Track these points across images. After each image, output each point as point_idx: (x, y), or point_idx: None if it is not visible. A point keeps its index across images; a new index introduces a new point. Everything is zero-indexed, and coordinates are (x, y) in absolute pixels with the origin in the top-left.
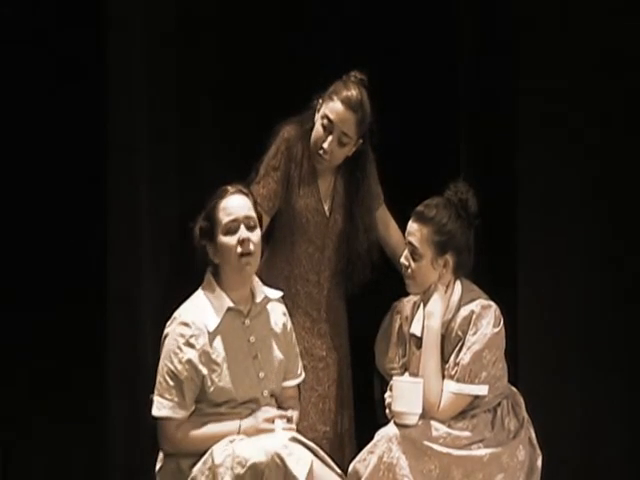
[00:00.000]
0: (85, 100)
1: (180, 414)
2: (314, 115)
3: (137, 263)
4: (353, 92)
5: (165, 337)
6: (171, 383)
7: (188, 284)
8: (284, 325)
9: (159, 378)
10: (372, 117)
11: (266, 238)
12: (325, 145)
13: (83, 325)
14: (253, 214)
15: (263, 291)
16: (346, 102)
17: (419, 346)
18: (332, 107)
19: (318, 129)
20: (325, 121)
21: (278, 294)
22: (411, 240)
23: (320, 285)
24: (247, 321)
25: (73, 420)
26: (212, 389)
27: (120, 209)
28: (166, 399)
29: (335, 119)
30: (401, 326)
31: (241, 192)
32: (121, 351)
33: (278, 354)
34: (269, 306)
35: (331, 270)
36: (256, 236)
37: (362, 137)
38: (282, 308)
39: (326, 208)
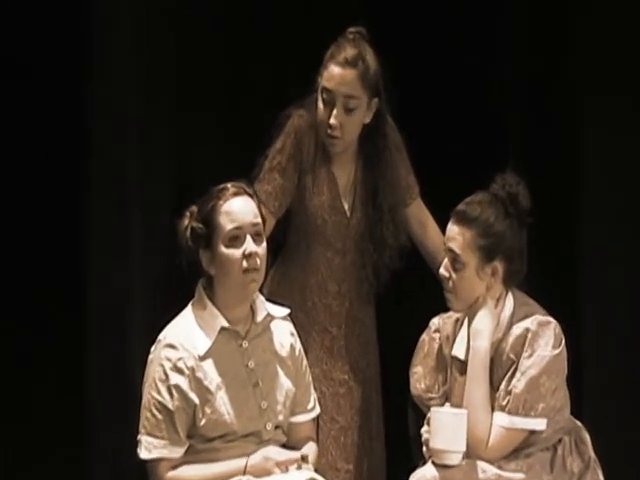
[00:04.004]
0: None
1: (175, 453)
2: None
3: (123, 277)
4: (349, 50)
5: (149, 364)
6: (160, 417)
7: (180, 300)
8: (292, 347)
9: (145, 414)
10: (380, 70)
11: (274, 242)
12: (332, 120)
13: (58, 349)
14: (259, 220)
15: (266, 308)
16: (342, 62)
17: (463, 371)
18: (327, 75)
19: (320, 107)
20: (324, 94)
21: (284, 312)
22: (451, 246)
23: (341, 296)
24: (245, 343)
25: (48, 461)
26: (204, 421)
27: (104, 212)
28: (156, 437)
29: (334, 85)
30: (441, 347)
31: (245, 193)
32: (103, 380)
33: (285, 382)
34: (273, 325)
35: (354, 278)
36: (262, 248)
37: (375, 95)
38: (289, 327)
39: (346, 205)
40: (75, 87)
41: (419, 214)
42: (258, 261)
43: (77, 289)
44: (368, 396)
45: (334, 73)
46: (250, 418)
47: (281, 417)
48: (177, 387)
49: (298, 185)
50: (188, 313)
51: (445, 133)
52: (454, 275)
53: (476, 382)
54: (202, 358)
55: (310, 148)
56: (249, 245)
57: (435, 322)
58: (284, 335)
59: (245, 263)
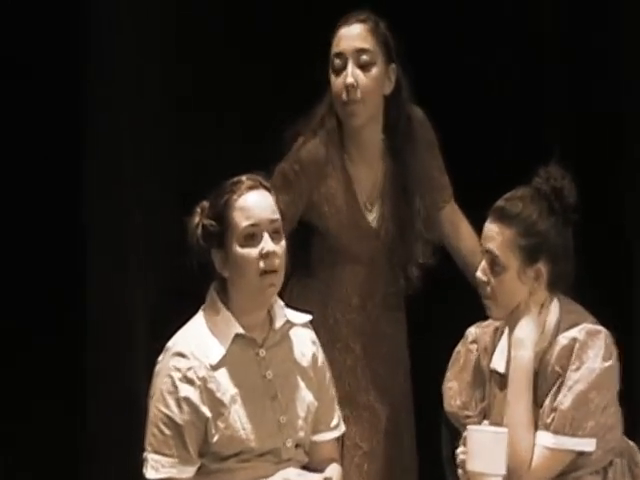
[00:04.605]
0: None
1: (186, 473)
2: (329, 99)
3: (122, 278)
4: (357, 14)
5: (156, 375)
6: (168, 432)
7: (190, 305)
8: (313, 357)
9: (152, 430)
10: (395, 41)
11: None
12: (348, 78)
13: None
14: (278, 217)
15: (285, 314)
16: (349, 22)
17: (503, 386)
18: (336, 39)
19: (333, 81)
20: (335, 62)
21: (305, 318)
22: (490, 247)
23: (366, 311)
24: (262, 352)
25: None
26: (217, 437)
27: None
28: (164, 455)
29: (343, 45)
30: (478, 360)
31: (262, 186)
32: (105, 393)
33: (306, 394)
34: (292, 333)
35: (382, 292)
36: (281, 247)
37: (391, 60)
38: (311, 335)
39: (371, 217)
40: (74, 87)
41: (452, 216)
42: (277, 262)
43: (76, 294)
44: (396, 419)
45: (342, 33)
46: (268, 434)
47: (302, 434)
48: (187, 400)
49: (306, 209)
50: (199, 319)
51: (477, 125)
52: (493, 279)
53: (517, 398)
54: (215, 368)
55: (322, 172)
56: (266, 244)
57: (472, 332)
58: (305, 343)
59: (262, 264)
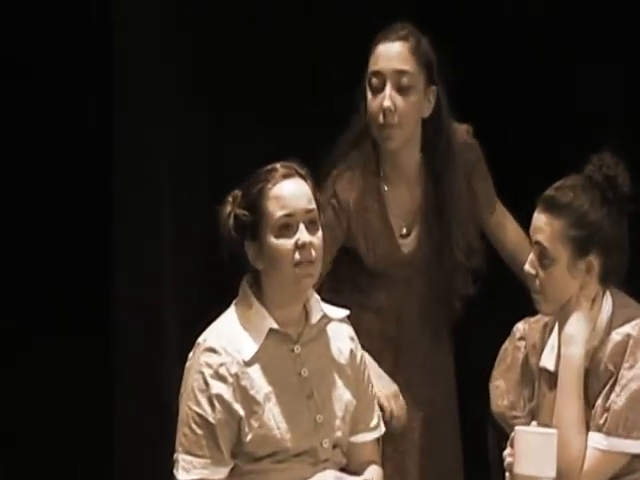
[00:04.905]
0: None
1: (218, 474)
2: (364, 117)
3: (153, 272)
4: (397, 29)
5: (186, 372)
6: (200, 432)
7: (222, 300)
8: (352, 354)
9: (183, 429)
10: (437, 58)
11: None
12: (385, 102)
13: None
14: (314, 206)
15: (322, 308)
16: (389, 39)
17: (553, 385)
18: (374, 58)
19: (369, 99)
20: (372, 81)
21: (342, 313)
22: (539, 239)
23: (401, 323)
24: (297, 348)
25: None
26: (250, 437)
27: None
28: (196, 455)
29: (382, 64)
30: (527, 358)
31: (297, 174)
32: (133, 391)
33: (344, 393)
34: (329, 328)
35: (420, 304)
36: (318, 238)
37: (431, 81)
38: (349, 331)
39: (406, 247)
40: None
41: (496, 217)
42: (313, 253)
43: (104, 287)
44: (435, 434)
45: (381, 50)
46: (304, 434)
47: (339, 433)
48: (219, 397)
49: (350, 234)
50: (231, 313)
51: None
52: (542, 272)
53: (568, 397)
54: (248, 364)
55: (360, 206)
56: (302, 235)
57: (520, 328)
58: (343, 340)
59: (298, 255)
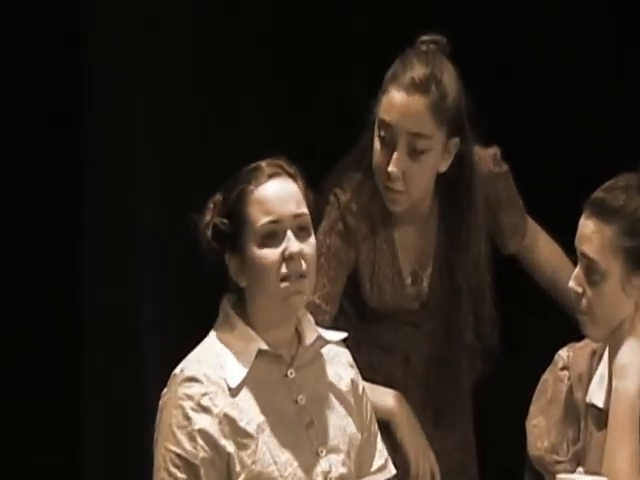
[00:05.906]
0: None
1: None
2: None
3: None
4: (417, 69)
5: (161, 410)
6: (180, 476)
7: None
8: (353, 383)
9: (160, 474)
10: (463, 97)
11: None
12: (391, 167)
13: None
14: (304, 210)
15: (316, 329)
16: (407, 85)
17: (602, 424)
18: (387, 103)
19: (376, 148)
20: (382, 130)
21: (339, 335)
22: (586, 250)
23: (408, 366)
24: (291, 372)
25: None
26: (243, 477)
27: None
28: None
29: (395, 118)
30: (571, 391)
31: (285, 173)
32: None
33: (348, 425)
34: (325, 352)
35: (430, 347)
36: (309, 246)
37: (454, 133)
38: (347, 356)
39: (416, 292)
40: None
41: (527, 241)
42: (303, 265)
43: (73, 298)
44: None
45: (395, 100)
46: (306, 468)
47: (344, 470)
48: (203, 432)
49: (354, 273)
50: (211, 339)
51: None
52: (589, 290)
53: (621, 439)
54: (235, 392)
55: (365, 240)
56: (290, 243)
57: (563, 356)
58: (341, 365)
59: (284, 268)
